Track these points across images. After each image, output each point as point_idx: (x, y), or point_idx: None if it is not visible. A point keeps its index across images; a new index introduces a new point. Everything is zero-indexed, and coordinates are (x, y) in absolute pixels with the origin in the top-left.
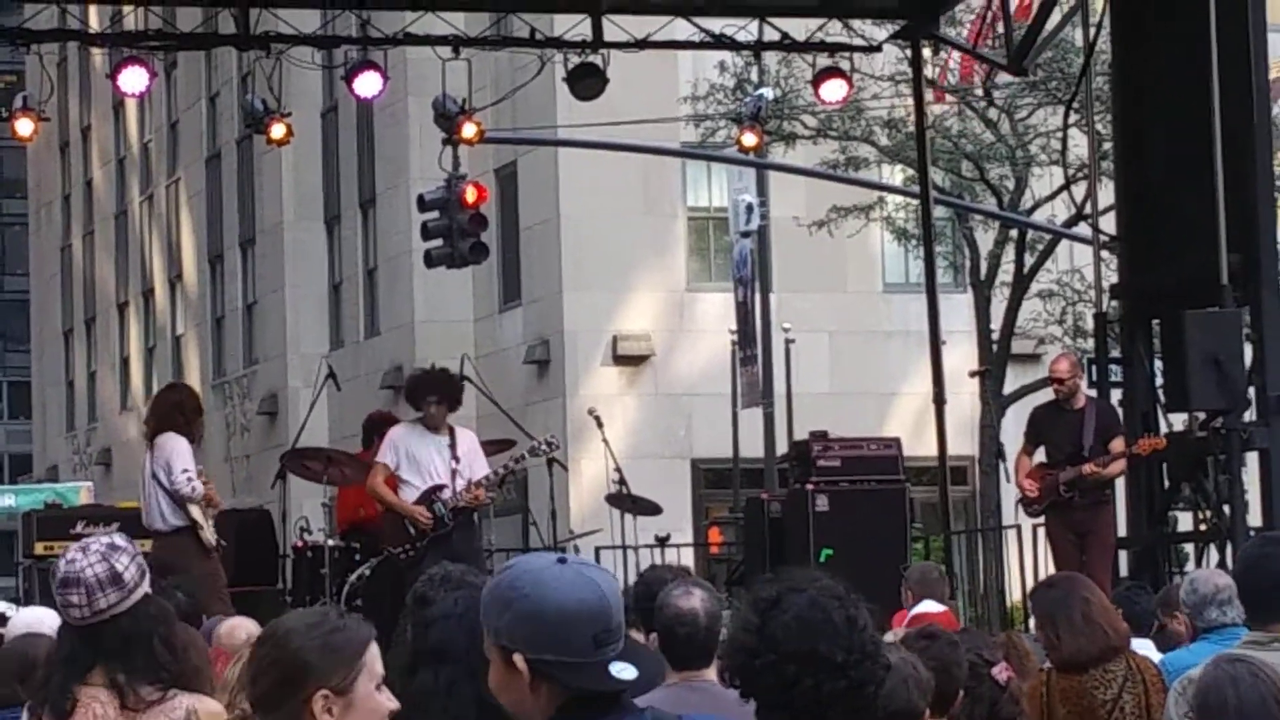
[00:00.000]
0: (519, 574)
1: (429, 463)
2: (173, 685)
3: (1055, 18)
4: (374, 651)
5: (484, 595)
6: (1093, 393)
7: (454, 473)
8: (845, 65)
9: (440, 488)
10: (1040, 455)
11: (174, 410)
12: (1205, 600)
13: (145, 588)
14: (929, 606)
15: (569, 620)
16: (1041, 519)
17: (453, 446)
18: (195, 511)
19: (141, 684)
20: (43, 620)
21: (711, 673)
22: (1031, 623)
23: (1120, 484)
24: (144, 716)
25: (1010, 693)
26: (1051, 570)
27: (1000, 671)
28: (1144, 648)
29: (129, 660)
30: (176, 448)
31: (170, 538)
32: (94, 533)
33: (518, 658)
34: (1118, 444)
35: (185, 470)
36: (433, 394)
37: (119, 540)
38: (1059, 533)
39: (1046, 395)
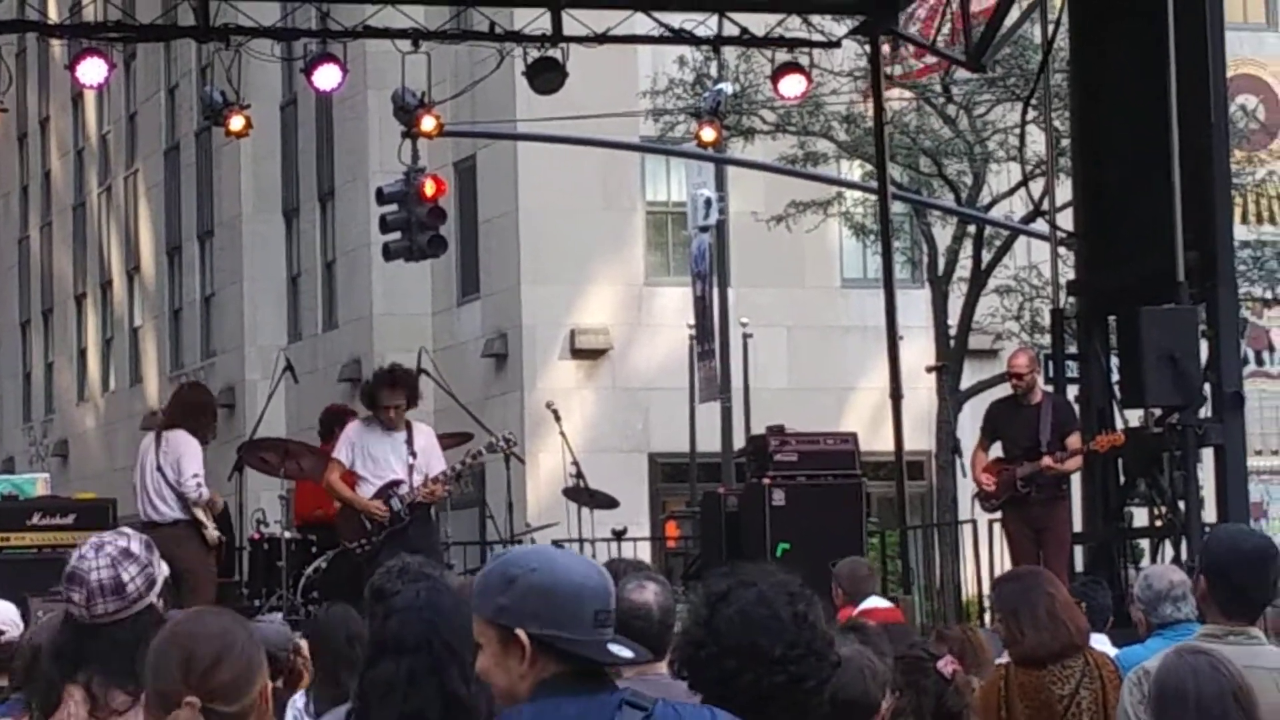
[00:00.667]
0: (524, 553)
1: (385, 459)
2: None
3: (1014, 14)
4: None
5: (479, 578)
6: (1049, 388)
7: (410, 468)
8: (804, 60)
9: (397, 483)
10: (996, 450)
11: (198, 411)
12: (1160, 596)
13: (151, 598)
14: (876, 602)
15: (576, 595)
16: (998, 514)
17: (409, 443)
18: (199, 512)
19: (114, 690)
20: (3, 614)
21: (664, 666)
22: (988, 617)
23: (1075, 479)
24: None
25: (956, 686)
26: (1008, 565)
27: (945, 664)
28: (1099, 643)
29: (108, 665)
30: (190, 448)
31: (166, 529)
32: (51, 524)
33: (521, 632)
34: (1074, 440)
35: (196, 475)
36: (390, 396)
37: (134, 547)
38: (1016, 528)
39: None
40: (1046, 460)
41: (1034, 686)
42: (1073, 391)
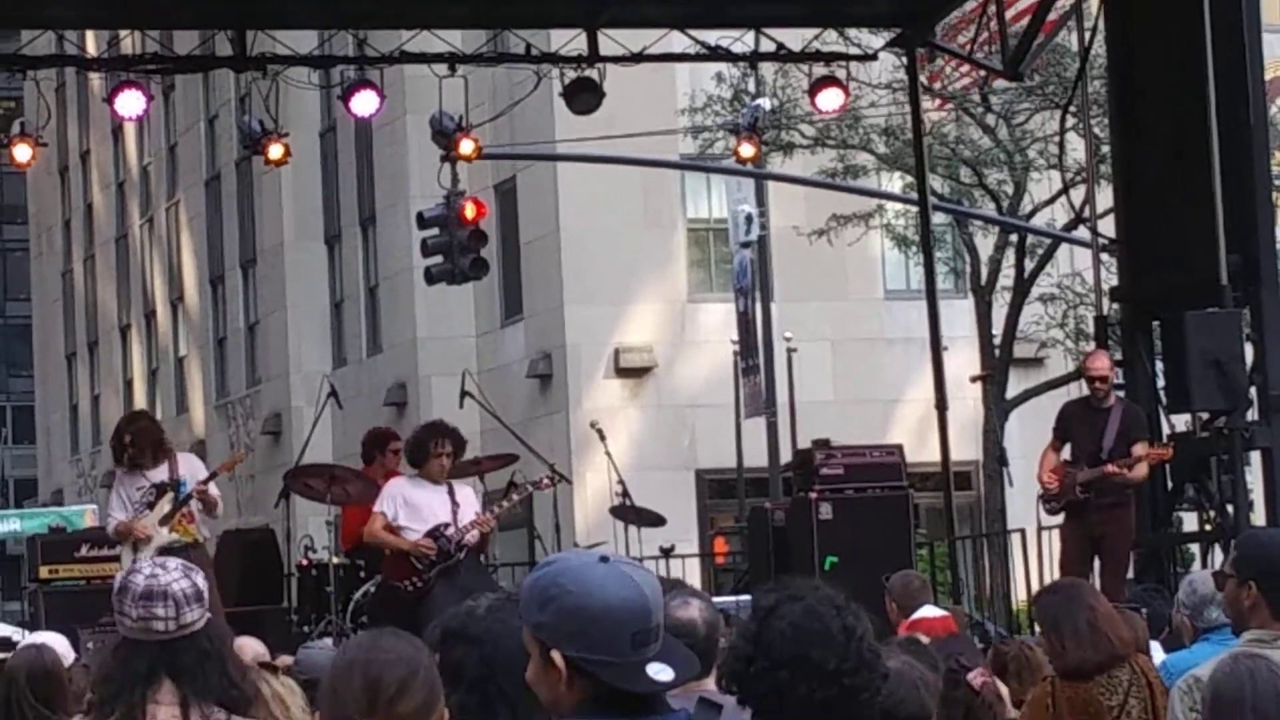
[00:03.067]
0: (561, 570)
1: (428, 508)
2: (234, 706)
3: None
4: None
5: (524, 589)
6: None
7: (454, 513)
8: (841, 74)
9: (445, 525)
10: (1067, 452)
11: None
12: (1205, 601)
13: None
14: (928, 611)
15: (610, 619)
16: (1057, 520)
17: (451, 494)
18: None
19: (209, 704)
20: (50, 644)
21: (710, 683)
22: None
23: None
24: None
25: (984, 698)
26: (1057, 574)
27: (976, 677)
28: (1155, 650)
29: (204, 679)
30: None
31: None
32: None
33: (556, 654)
34: (1140, 448)
35: (109, 514)
36: (440, 445)
37: (188, 563)
38: (1071, 533)
39: (1050, 399)
40: (1110, 467)
41: (1082, 699)
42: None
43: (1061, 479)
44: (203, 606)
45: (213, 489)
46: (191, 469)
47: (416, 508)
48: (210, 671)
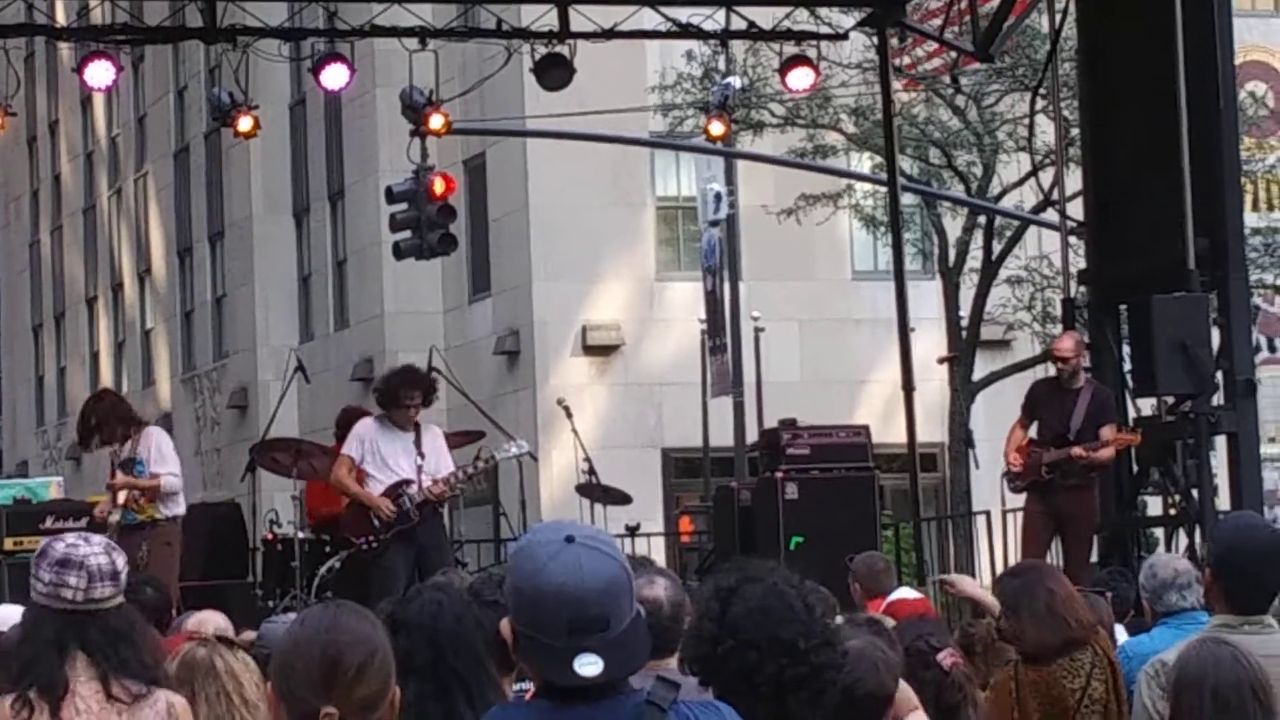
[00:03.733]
0: (521, 546)
1: (394, 458)
2: (150, 683)
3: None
4: None
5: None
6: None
7: (419, 469)
8: (812, 53)
9: (406, 483)
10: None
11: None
12: (1165, 585)
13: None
14: (905, 593)
15: (545, 603)
16: (1021, 500)
17: (418, 443)
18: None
19: (127, 679)
20: (8, 618)
21: (673, 662)
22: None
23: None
24: (130, 710)
25: (954, 679)
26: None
27: (945, 657)
28: (1120, 633)
29: (116, 655)
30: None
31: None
32: (65, 528)
33: (504, 623)
34: (1108, 431)
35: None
36: (410, 396)
37: (113, 543)
38: (1035, 513)
39: (1016, 382)
40: (1076, 449)
41: (1045, 682)
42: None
43: (1026, 458)
44: (116, 586)
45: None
46: (149, 445)
47: (382, 456)
48: (121, 649)
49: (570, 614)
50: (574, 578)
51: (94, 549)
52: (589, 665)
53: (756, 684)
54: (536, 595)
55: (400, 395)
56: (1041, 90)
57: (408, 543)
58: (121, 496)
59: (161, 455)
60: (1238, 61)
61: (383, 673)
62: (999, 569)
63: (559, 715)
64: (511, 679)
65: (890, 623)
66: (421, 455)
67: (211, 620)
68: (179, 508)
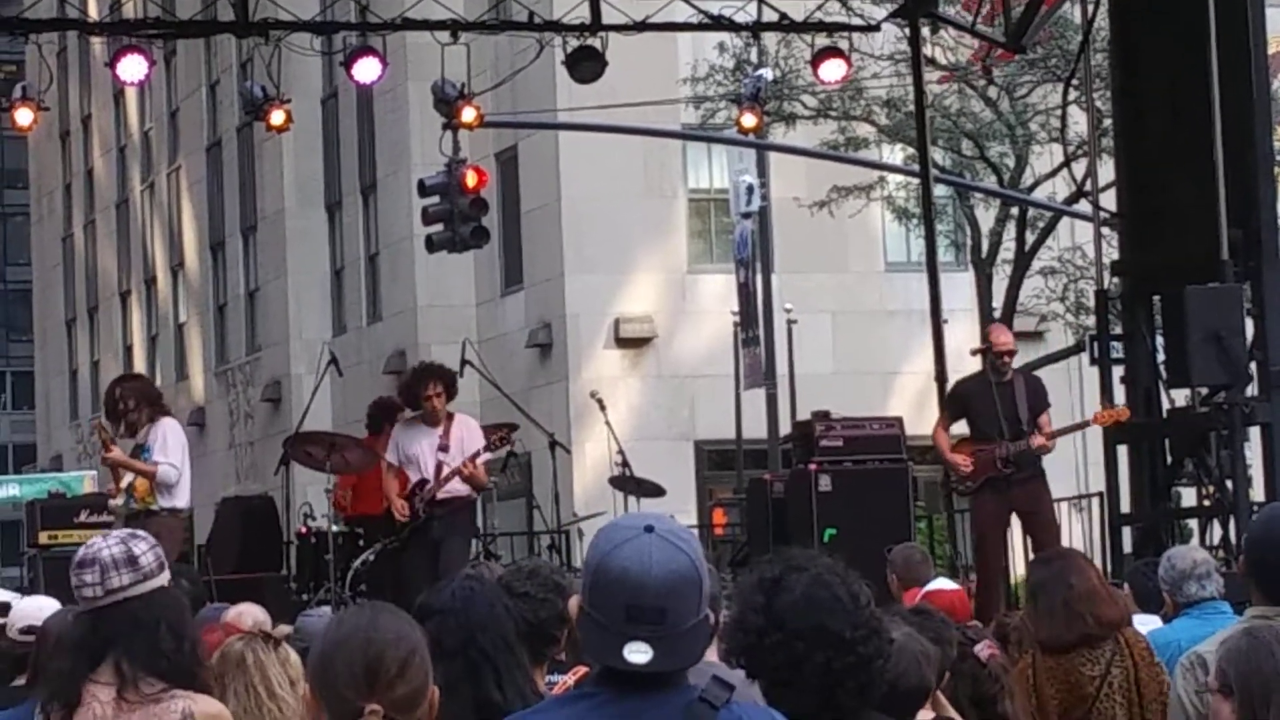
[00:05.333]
0: (605, 526)
1: (419, 456)
2: (174, 677)
3: None
4: None
5: None
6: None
7: (439, 465)
8: (844, 45)
9: (423, 483)
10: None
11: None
12: (1183, 575)
13: (162, 580)
14: (943, 584)
15: (605, 583)
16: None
17: (444, 435)
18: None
19: (142, 674)
20: (43, 609)
21: (712, 654)
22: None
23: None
24: (139, 711)
25: (991, 670)
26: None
27: (983, 649)
28: (1152, 623)
29: (134, 646)
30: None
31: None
32: (99, 522)
33: (574, 599)
34: (1045, 419)
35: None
36: (430, 387)
37: (140, 533)
38: (991, 510)
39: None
40: (1039, 439)
41: (1062, 670)
42: (1118, 372)
43: (973, 457)
44: (135, 571)
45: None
46: (162, 436)
47: (410, 456)
48: (139, 642)
49: (628, 600)
50: (639, 565)
51: (108, 542)
52: (638, 653)
53: (804, 675)
54: (602, 576)
55: (419, 390)
56: (1074, 81)
57: (423, 540)
58: (127, 479)
59: (166, 445)
60: (1270, 52)
61: (422, 670)
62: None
63: (611, 704)
64: (543, 670)
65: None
66: (444, 448)
67: (250, 613)
68: (178, 500)
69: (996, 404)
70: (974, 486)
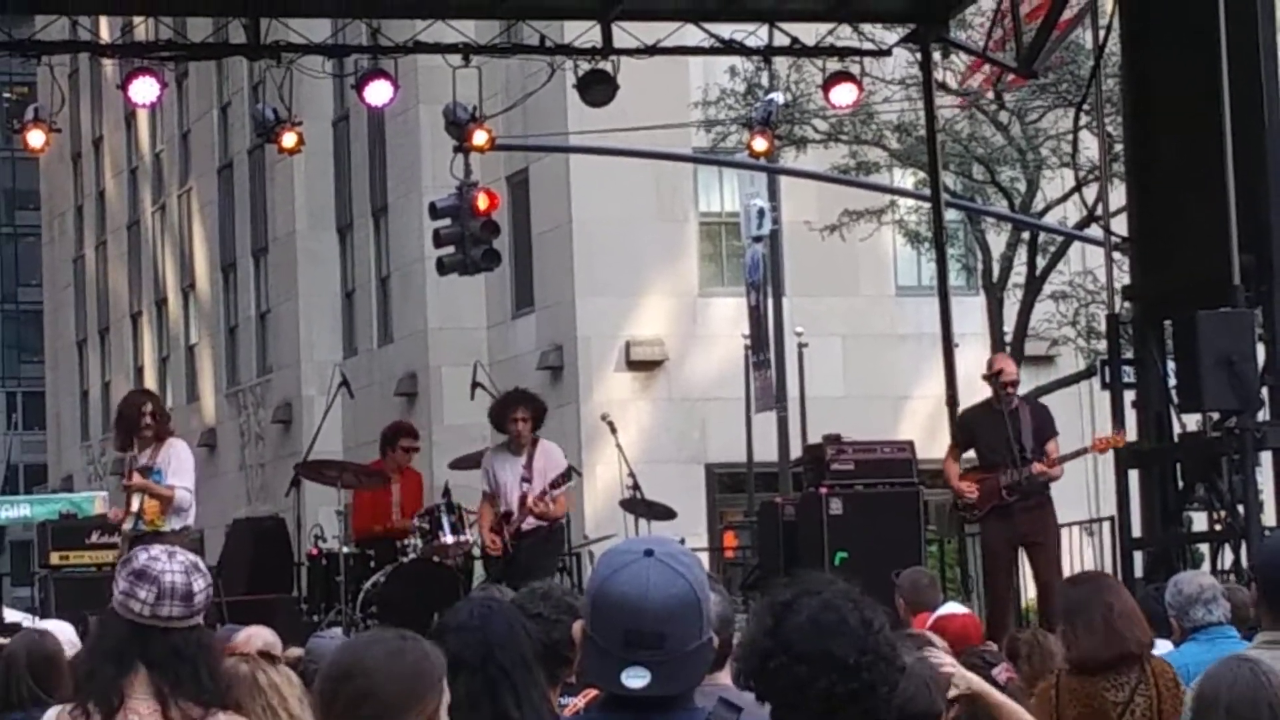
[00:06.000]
0: (606, 551)
1: (506, 484)
2: (209, 704)
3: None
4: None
5: None
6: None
7: (523, 496)
8: (855, 69)
9: (508, 515)
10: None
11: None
12: (1190, 600)
13: (201, 619)
14: (953, 609)
15: (604, 609)
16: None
17: (528, 465)
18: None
19: (185, 702)
20: (59, 634)
21: (725, 676)
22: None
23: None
24: None
25: (1009, 694)
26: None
27: (1000, 673)
28: (1162, 648)
29: (176, 675)
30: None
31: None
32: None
33: (577, 624)
34: (1053, 446)
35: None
36: (516, 411)
37: (201, 565)
38: (997, 537)
39: (1060, 397)
40: (1038, 466)
41: (1086, 692)
42: (1129, 397)
43: (979, 486)
44: (188, 608)
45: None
46: (171, 457)
47: (499, 484)
48: (182, 669)
49: (627, 625)
50: (636, 590)
51: (173, 566)
52: (635, 678)
53: (808, 699)
54: (601, 601)
55: (506, 415)
56: (1085, 106)
57: (513, 571)
58: (136, 503)
59: (181, 468)
60: None
61: (387, 696)
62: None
63: None
64: (556, 692)
65: (938, 640)
66: (527, 478)
67: (260, 635)
68: (187, 521)
69: (1001, 432)
70: (980, 514)
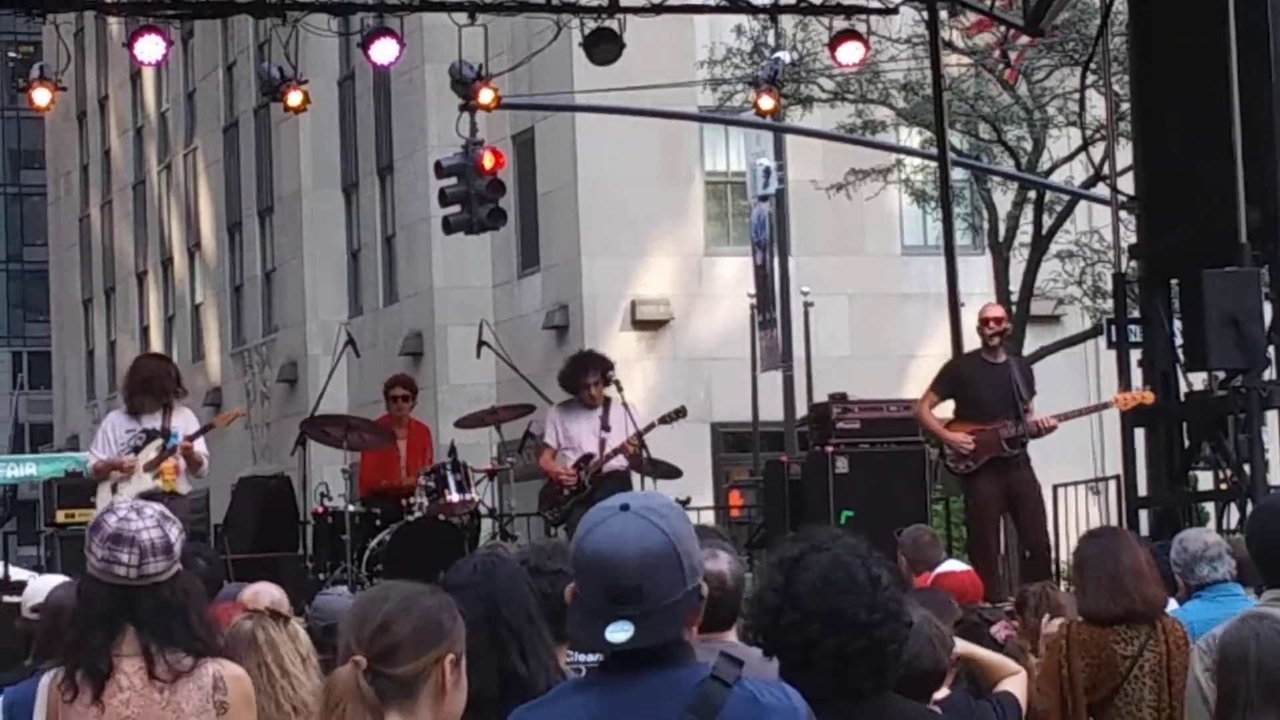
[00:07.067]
0: (586, 512)
1: (579, 435)
2: (200, 654)
3: None
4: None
5: None
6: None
7: (602, 442)
8: (862, 28)
9: (588, 457)
10: (943, 409)
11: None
12: (1195, 558)
13: (180, 565)
14: (952, 566)
15: (584, 567)
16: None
17: (604, 418)
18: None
19: (175, 652)
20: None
21: (732, 635)
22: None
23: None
24: (174, 687)
25: (1008, 650)
26: (1070, 529)
27: (999, 630)
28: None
29: (165, 629)
30: (104, 422)
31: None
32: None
33: (569, 589)
34: (1032, 405)
35: (90, 449)
36: (591, 375)
37: (166, 512)
38: (990, 493)
39: (1066, 357)
40: (1050, 420)
41: (1095, 643)
42: (1135, 356)
43: (975, 437)
44: (170, 559)
45: (200, 445)
46: (184, 422)
47: (571, 435)
48: (171, 622)
49: (606, 581)
50: (611, 546)
51: (146, 523)
52: (619, 632)
53: (817, 657)
54: (580, 560)
55: (579, 378)
56: (1092, 65)
57: (586, 508)
58: (147, 458)
59: (188, 431)
60: None
61: (409, 629)
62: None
63: (624, 687)
64: (564, 648)
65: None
66: (606, 429)
67: (267, 592)
68: (191, 487)
69: (1002, 384)
70: (974, 467)
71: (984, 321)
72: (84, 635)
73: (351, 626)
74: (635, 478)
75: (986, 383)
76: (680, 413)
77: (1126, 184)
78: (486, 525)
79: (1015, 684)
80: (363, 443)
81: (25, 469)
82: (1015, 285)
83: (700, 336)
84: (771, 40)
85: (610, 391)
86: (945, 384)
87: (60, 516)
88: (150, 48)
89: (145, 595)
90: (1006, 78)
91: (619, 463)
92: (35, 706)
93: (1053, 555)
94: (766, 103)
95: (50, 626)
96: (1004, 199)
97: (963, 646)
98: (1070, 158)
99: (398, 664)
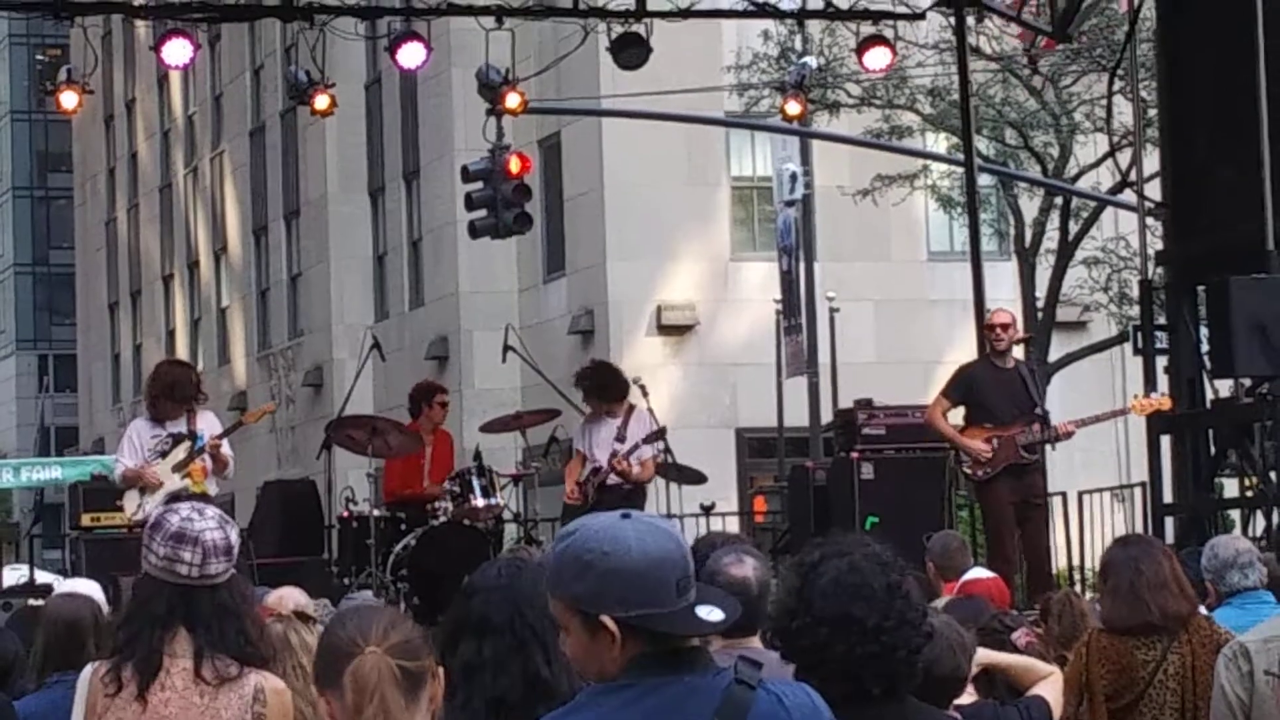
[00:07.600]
0: (589, 535)
1: (598, 446)
2: (248, 660)
3: None
4: None
5: (554, 563)
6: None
7: (613, 454)
8: (889, 33)
9: (596, 470)
10: (955, 415)
11: (146, 389)
12: (1226, 564)
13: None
14: (979, 573)
15: (655, 572)
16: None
17: (622, 428)
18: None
19: (222, 656)
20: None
21: (756, 640)
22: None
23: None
24: (216, 693)
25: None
26: (1097, 536)
27: (1020, 636)
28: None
29: (219, 631)
30: (128, 429)
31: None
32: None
33: (606, 619)
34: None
35: (116, 457)
36: (619, 393)
37: (228, 518)
38: (1005, 498)
39: (1092, 363)
40: (1070, 425)
41: (1116, 651)
42: (1161, 362)
43: (991, 443)
44: (229, 561)
45: (226, 447)
46: (208, 425)
47: (592, 445)
48: (226, 625)
49: (676, 576)
50: (667, 541)
51: (209, 524)
52: (712, 613)
53: (828, 661)
54: (647, 567)
55: (604, 395)
56: (1119, 71)
57: None
58: (176, 458)
59: (213, 433)
60: None
61: (413, 628)
62: (1074, 548)
63: (651, 694)
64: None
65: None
66: (620, 439)
67: (291, 597)
68: (217, 489)
69: (1018, 389)
70: (992, 473)
71: (990, 327)
72: (139, 632)
73: (356, 629)
74: (655, 484)
75: (997, 388)
76: (660, 433)
77: (1153, 190)
78: (510, 530)
79: (1048, 687)
80: (387, 448)
81: (51, 472)
82: (1041, 291)
83: (726, 342)
84: (798, 45)
85: (635, 397)
86: (956, 389)
87: (86, 520)
88: (177, 51)
89: (203, 596)
90: (1032, 58)
91: (636, 472)
92: (75, 698)
93: (1053, 565)
94: (793, 108)
95: (54, 639)
96: (1030, 205)
97: (991, 655)
98: (1097, 164)
99: (411, 657)
